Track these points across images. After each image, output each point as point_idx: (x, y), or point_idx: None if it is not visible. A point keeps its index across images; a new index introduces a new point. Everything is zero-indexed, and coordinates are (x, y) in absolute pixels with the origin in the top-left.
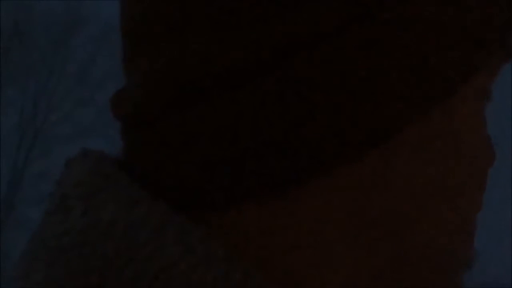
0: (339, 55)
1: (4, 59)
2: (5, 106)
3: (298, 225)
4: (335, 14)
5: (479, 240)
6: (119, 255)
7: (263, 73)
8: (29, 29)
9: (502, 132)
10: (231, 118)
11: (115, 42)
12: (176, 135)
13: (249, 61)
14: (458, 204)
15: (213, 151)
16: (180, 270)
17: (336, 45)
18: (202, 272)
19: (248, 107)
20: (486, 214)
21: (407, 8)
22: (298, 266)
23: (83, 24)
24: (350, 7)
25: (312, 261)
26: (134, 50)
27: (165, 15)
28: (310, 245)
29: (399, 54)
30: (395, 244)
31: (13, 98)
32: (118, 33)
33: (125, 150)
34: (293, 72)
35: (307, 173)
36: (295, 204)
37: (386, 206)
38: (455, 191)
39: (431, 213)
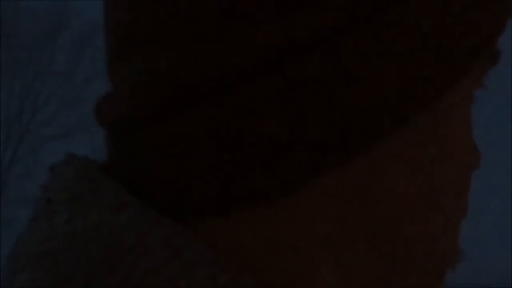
0: (330, 60)
1: None
2: None
3: (287, 232)
4: (333, 17)
5: (479, 240)
6: (105, 260)
7: (256, 77)
8: (14, 29)
9: (502, 132)
10: (221, 124)
11: (100, 42)
12: (165, 140)
13: (243, 66)
14: (443, 208)
15: (202, 157)
16: (167, 274)
17: (328, 50)
18: (189, 275)
19: (240, 114)
20: (486, 215)
21: (396, 13)
22: (287, 271)
23: (68, 24)
24: (347, 10)
25: (301, 266)
26: (120, 56)
27: (155, 20)
28: (299, 251)
29: (387, 59)
30: (382, 248)
31: None
32: (103, 32)
33: (111, 155)
34: (287, 76)
35: (296, 180)
36: (284, 211)
37: (373, 211)
38: (440, 196)
39: (417, 217)
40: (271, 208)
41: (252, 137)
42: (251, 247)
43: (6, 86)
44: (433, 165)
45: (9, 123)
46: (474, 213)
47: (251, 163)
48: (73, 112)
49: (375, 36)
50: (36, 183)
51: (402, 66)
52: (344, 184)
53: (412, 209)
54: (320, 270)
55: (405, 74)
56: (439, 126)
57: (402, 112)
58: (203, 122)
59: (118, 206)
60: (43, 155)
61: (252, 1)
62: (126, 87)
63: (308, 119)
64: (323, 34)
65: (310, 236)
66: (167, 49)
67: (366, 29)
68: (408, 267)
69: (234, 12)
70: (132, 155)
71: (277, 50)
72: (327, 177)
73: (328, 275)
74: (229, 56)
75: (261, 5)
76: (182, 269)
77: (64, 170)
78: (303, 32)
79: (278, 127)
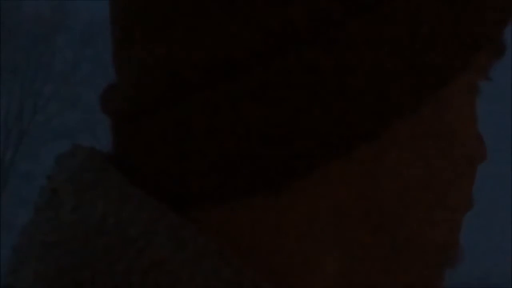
0: (331, 51)
1: None
2: None
3: (289, 223)
4: (329, 9)
5: (479, 239)
6: (109, 251)
7: (258, 66)
8: (14, 29)
9: (502, 132)
10: (224, 113)
11: (100, 41)
12: (168, 130)
13: (244, 54)
14: (446, 200)
15: (205, 147)
16: (171, 266)
17: (328, 41)
18: (193, 268)
19: (242, 102)
20: (486, 214)
21: (397, 3)
22: (289, 263)
23: (68, 23)
24: (341, 2)
25: (303, 258)
26: (125, 45)
27: (158, 10)
28: (301, 242)
29: (389, 50)
30: (384, 240)
31: None
32: (103, 31)
33: (116, 146)
34: (287, 66)
35: (298, 170)
36: (285, 202)
37: (375, 201)
38: (444, 188)
39: (419, 208)
40: (273, 198)
41: (253, 126)
42: (254, 237)
43: (6, 87)
44: (436, 156)
45: (9, 123)
46: (474, 211)
47: (252, 151)
48: (73, 113)
49: (374, 26)
50: (36, 184)
51: (402, 56)
52: (347, 174)
53: (415, 200)
54: (322, 260)
55: (405, 64)
56: (442, 117)
57: (403, 103)
58: (203, 111)
59: (123, 197)
60: (43, 156)
61: None
62: (127, 76)
63: (309, 108)
64: (323, 25)
65: (312, 226)
66: (164, 39)
67: (364, 19)
68: (410, 258)
69: (232, 2)
70: (136, 145)
71: (276, 40)
72: (329, 167)
73: (330, 265)
74: (227, 46)
75: None
76: (186, 261)
77: (69, 160)
78: (302, 22)
79: (278, 116)
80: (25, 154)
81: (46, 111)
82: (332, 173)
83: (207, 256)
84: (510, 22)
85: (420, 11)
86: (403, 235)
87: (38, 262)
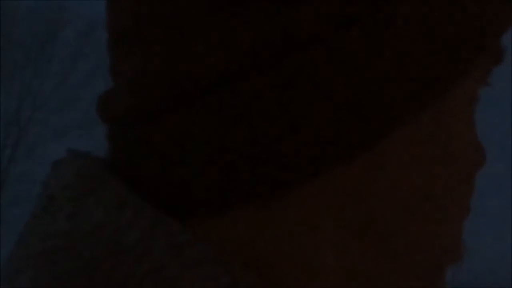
0: (331, 58)
1: None
2: None
3: (288, 231)
4: (329, 16)
5: (478, 240)
6: (107, 258)
7: (255, 74)
8: (13, 28)
9: (502, 132)
10: (221, 122)
11: (98, 42)
12: (166, 138)
13: (242, 60)
14: (446, 208)
15: (203, 155)
16: (168, 274)
17: (329, 47)
18: (191, 275)
19: (239, 111)
20: (486, 215)
21: (398, 10)
22: (289, 271)
23: (67, 23)
24: (346, 8)
25: (303, 266)
26: (122, 53)
27: (156, 18)
28: (301, 250)
29: (390, 57)
30: (384, 246)
31: None
32: (102, 30)
33: (112, 152)
34: (286, 74)
35: (298, 178)
36: (285, 210)
37: (374, 210)
38: (444, 194)
39: (419, 216)
40: (273, 207)
41: (250, 133)
42: (254, 246)
43: (5, 86)
44: (435, 164)
45: (8, 122)
46: (474, 212)
47: (249, 159)
48: (72, 112)
49: (375, 34)
50: (34, 183)
51: (402, 65)
52: (346, 182)
53: (414, 208)
54: (322, 268)
55: (405, 72)
56: (441, 126)
57: (403, 111)
58: (198, 119)
59: (120, 204)
60: (42, 155)
61: None
62: (125, 83)
63: (308, 117)
64: (322, 31)
65: (312, 234)
66: (163, 45)
67: (365, 26)
68: (410, 265)
69: (232, 7)
70: (131, 152)
71: (275, 46)
72: (329, 175)
73: (330, 273)
74: (224, 52)
75: (256, 2)
76: (184, 268)
77: (66, 166)
78: (303, 28)
79: (276, 123)
80: (23, 153)
81: (44, 110)
82: (332, 181)
83: (206, 262)
84: (507, 29)
85: (419, 19)
86: (404, 242)
87: (35, 270)
